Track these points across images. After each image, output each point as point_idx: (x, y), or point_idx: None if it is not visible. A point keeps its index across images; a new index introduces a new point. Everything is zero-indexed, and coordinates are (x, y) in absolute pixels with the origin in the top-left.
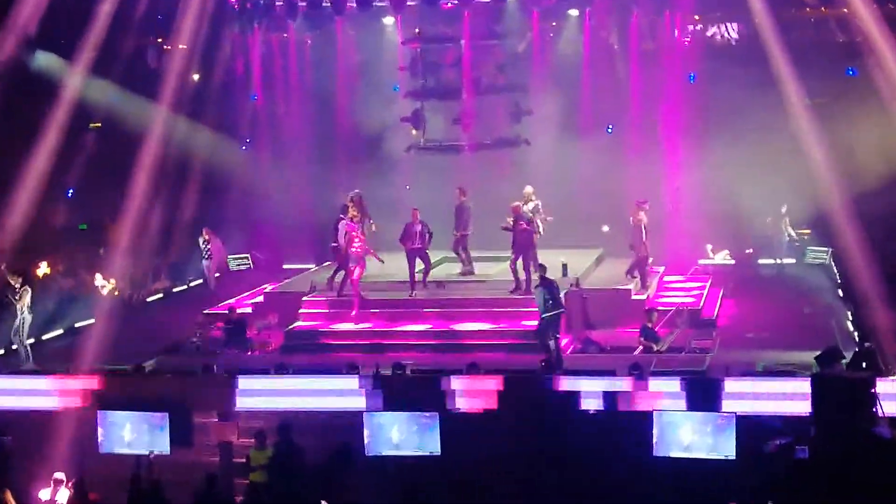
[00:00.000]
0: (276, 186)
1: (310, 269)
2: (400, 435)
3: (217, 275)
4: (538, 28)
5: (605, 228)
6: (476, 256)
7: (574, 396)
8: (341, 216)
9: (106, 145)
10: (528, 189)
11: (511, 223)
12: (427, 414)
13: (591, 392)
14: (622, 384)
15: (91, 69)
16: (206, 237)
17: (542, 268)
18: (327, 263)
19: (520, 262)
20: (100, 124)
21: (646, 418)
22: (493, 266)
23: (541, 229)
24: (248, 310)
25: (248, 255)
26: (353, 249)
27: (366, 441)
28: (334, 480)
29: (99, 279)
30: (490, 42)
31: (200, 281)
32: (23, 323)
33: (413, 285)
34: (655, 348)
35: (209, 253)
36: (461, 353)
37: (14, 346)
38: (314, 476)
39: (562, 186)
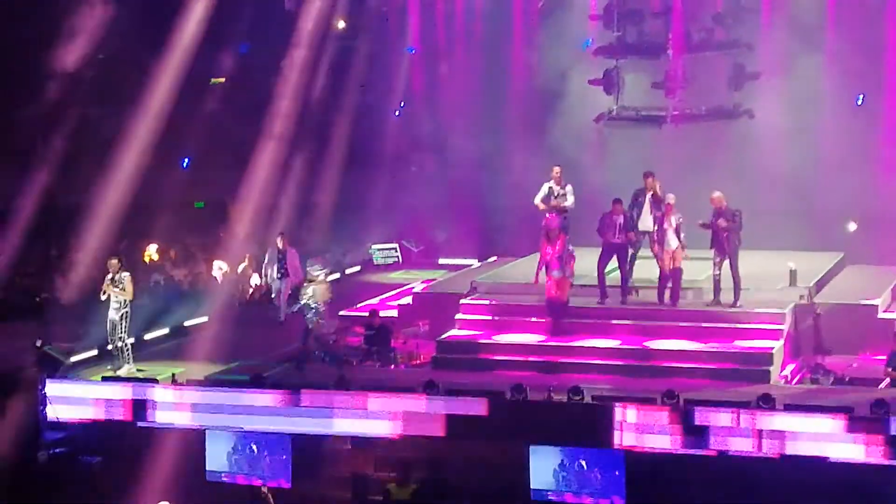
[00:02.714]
0: (434, 162)
1: (470, 265)
2: (574, 476)
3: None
4: None
5: (852, 227)
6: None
7: (794, 438)
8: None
9: (230, 107)
10: (671, 197)
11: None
12: (609, 452)
13: (817, 434)
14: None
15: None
16: (282, 247)
17: None
18: (492, 259)
19: (725, 266)
20: (223, 80)
21: (890, 473)
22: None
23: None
24: (394, 313)
25: (396, 246)
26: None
27: (531, 481)
28: None
29: (217, 268)
30: None
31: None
32: (123, 318)
33: (603, 291)
34: None
35: (284, 269)
36: (655, 378)
37: (110, 346)
38: None
39: (794, 172)
